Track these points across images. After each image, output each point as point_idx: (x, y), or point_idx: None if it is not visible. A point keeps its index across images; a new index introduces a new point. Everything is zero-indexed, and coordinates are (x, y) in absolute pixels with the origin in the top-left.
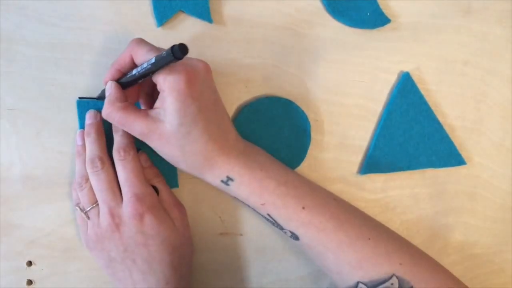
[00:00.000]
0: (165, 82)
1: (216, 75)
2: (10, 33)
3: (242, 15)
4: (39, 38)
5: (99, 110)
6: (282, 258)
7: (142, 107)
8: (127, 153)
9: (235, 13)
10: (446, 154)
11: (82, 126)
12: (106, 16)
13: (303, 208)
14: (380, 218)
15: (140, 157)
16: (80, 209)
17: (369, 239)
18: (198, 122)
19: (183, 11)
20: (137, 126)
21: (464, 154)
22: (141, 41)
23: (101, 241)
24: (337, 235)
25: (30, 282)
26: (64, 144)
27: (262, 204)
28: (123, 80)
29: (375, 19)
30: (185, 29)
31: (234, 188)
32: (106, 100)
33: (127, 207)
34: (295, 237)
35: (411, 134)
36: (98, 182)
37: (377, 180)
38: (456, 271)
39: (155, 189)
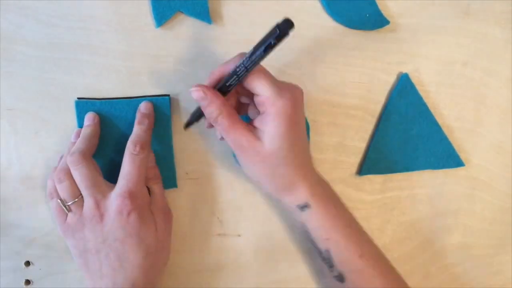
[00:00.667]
0: (272, 106)
1: None
2: (10, 33)
3: (241, 16)
4: (39, 38)
5: (97, 111)
6: (280, 258)
7: None
8: (142, 150)
9: (234, 13)
10: (445, 156)
11: (80, 126)
12: (106, 16)
13: (360, 256)
14: (379, 219)
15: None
16: (61, 201)
17: None
18: (294, 147)
19: (182, 12)
20: (242, 137)
21: (462, 156)
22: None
23: (81, 230)
24: None
25: (28, 282)
26: (63, 144)
27: (326, 239)
28: (220, 85)
29: (374, 20)
30: (184, 29)
31: (307, 216)
32: (216, 103)
33: (117, 200)
34: (340, 278)
35: (409, 135)
36: (82, 178)
37: (375, 181)
38: (455, 273)
39: (149, 190)
